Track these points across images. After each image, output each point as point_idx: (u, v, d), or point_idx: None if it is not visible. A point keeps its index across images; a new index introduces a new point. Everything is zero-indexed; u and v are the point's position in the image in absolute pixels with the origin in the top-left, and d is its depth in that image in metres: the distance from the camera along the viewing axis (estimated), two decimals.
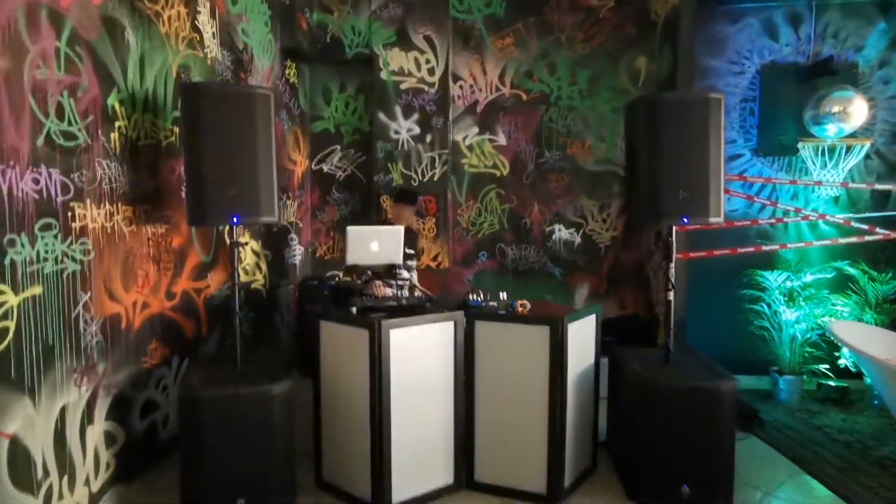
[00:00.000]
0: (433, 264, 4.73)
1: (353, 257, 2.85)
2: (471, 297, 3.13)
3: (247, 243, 3.56)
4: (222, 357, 3.02)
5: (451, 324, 2.71)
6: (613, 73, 4.58)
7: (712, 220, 2.67)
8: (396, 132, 4.69)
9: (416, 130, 4.67)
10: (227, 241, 2.73)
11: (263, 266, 4.12)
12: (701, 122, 2.62)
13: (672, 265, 2.83)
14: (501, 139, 4.73)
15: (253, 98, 2.56)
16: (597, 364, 2.96)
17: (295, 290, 4.64)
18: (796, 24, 4.38)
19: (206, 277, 3.33)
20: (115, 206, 2.55)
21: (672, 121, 2.62)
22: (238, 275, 2.70)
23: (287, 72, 4.52)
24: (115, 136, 2.55)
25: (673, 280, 2.85)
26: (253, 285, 3.97)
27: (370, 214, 4.76)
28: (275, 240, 4.32)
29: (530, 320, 2.66)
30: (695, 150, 2.63)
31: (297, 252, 4.71)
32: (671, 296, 2.85)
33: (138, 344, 2.73)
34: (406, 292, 3.19)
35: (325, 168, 4.96)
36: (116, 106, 2.56)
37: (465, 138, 4.76)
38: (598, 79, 4.60)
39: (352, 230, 2.80)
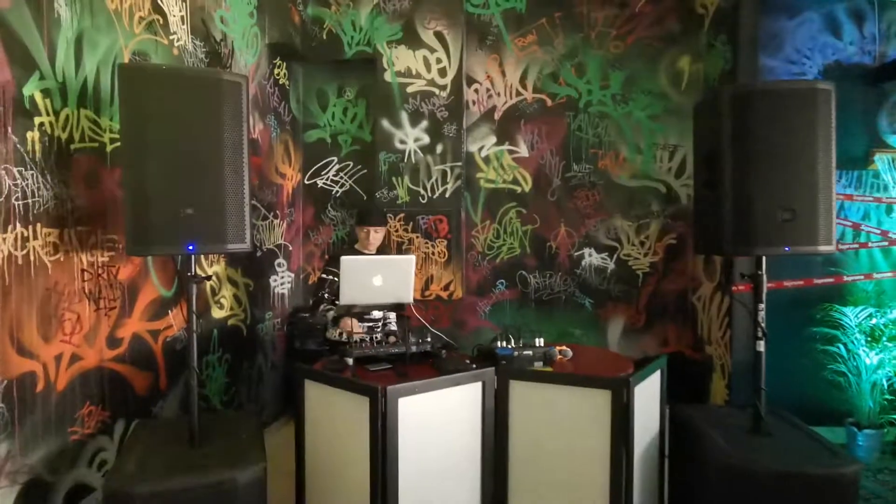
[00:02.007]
0: (444, 294, 4.09)
1: (349, 295, 2.21)
2: (498, 343, 2.49)
3: (209, 277, 2.88)
4: (179, 422, 2.35)
5: (478, 385, 2.06)
6: (652, 74, 3.99)
7: (822, 248, 2.03)
8: (402, 142, 4.09)
9: (425, 140, 4.07)
10: (186, 277, 2.10)
11: (244, 297, 3.47)
12: (807, 121, 2.01)
13: (762, 306, 2.19)
14: (523, 150, 4.13)
15: (219, 86, 1.94)
16: (662, 433, 2.30)
17: (283, 325, 3.99)
18: (860, 21, 3.80)
19: (166, 315, 2.68)
20: (31, 228, 1.91)
21: (769, 120, 2.00)
22: (196, 316, 2.05)
23: (276, 72, 3.93)
24: (33, 135, 1.92)
25: (763, 324, 2.19)
26: (230, 321, 3.32)
27: None
28: (258, 266, 3.68)
29: (585, 381, 2.00)
30: (799, 158, 2.00)
31: (286, 279, 4.06)
32: (762, 345, 2.19)
33: (64, 410, 2.06)
34: (412, 336, 2.55)
35: (320, 183, 4.34)
36: (37, 97, 1.94)
37: (481, 149, 4.15)
38: (634, 81, 4.01)
39: (347, 262, 2.17)
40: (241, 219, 2.00)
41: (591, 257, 4.09)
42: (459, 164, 4.05)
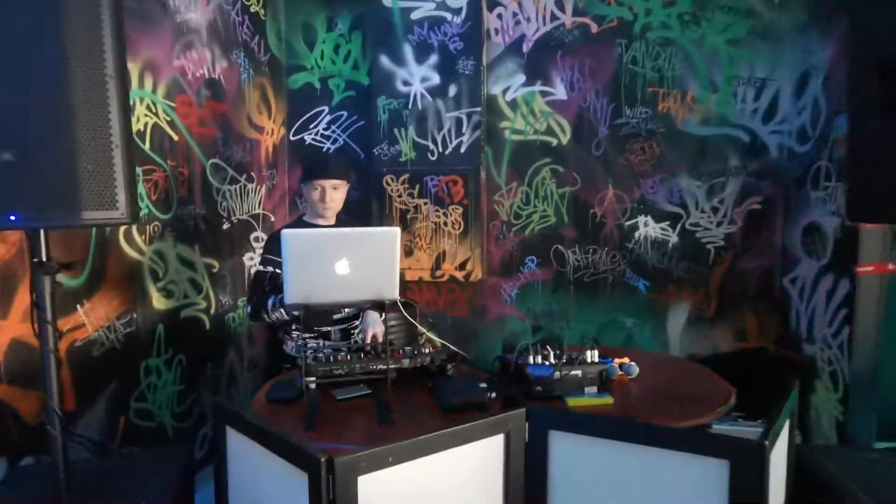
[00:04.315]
0: (460, 274, 3.29)
1: (297, 291, 1.43)
2: (530, 358, 1.69)
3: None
4: (79, 464, 1.63)
5: (499, 440, 1.26)
6: None
7: None
8: (406, 83, 3.24)
9: (435, 80, 3.21)
10: (31, 264, 1.37)
11: (204, 282, 2.75)
12: None
13: None
14: (559, 91, 3.24)
15: None
16: (790, 499, 1.49)
17: None
18: None
19: (74, 312, 1.98)
20: None
21: None
22: (53, 325, 1.32)
23: None
24: None
25: None
26: (184, 313, 2.61)
27: (369, 202, 3.34)
28: (226, 241, 2.95)
29: (683, 442, 1.18)
30: None
31: None
32: None
33: None
34: (409, 345, 1.79)
35: (308, 138, 3.56)
36: None
37: (505, 91, 3.28)
38: None
39: (291, 236, 1.39)
40: (109, 172, 1.23)
41: (648, 227, 3.22)
42: (478, 109, 3.19)
